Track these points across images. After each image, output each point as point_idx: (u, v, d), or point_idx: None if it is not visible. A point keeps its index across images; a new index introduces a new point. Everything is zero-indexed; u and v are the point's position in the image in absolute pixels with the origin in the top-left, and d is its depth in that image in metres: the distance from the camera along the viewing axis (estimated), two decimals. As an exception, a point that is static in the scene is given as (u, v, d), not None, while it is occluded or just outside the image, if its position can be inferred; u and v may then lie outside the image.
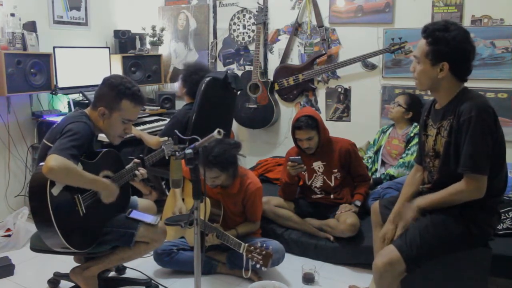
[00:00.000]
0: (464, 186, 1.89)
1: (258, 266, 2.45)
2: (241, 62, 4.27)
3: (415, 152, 2.88)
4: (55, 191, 1.96)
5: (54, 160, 1.89)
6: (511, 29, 3.12)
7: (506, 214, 2.66)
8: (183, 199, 2.90)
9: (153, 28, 4.40)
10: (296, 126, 2.91)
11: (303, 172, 3.01)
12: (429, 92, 2.12)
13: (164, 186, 3.82)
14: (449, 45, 1.88)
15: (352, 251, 2.84)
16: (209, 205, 2.69)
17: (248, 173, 2.85)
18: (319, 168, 3.02)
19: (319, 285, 2.67)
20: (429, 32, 1.93)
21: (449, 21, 1.95)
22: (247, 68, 4.18)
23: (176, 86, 4.59)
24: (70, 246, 1.98)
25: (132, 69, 4.22)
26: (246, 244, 2.51)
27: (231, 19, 4.26)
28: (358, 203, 2.96)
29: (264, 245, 2.52)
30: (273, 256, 2.47)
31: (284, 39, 4.01)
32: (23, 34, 3.35)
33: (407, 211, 2.05)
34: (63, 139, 2.00)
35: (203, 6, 4.40)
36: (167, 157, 2.52)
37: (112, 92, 2.21)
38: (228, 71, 3.72)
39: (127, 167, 2.35)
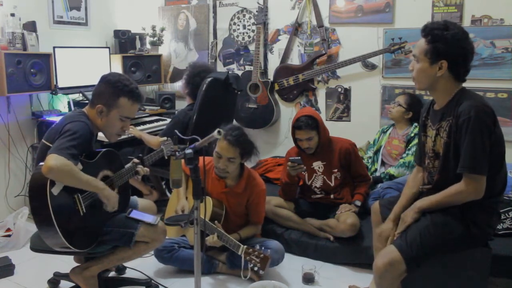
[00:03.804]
0: (463, 187, 1.89)
1: (256, 268, 2.46)
2: (241, 62, 4.27)
3: (415, 153, 2.88)
4: (55, 190, 1.96)
5: (53, 159, 1.90)
6: (511, 29, 3.12)
7: (506, 214, 2.66)
8: (186, 198, 2.89)
9: (153, 28, 4.41)
10: (296, 126, 2.91)
11: (303, 172, 3.01)
12: (428, 92, 2.12)
13: (164, 186, 3.83)
14: (448, 43, 1.88)
15: (352, 251, 2.84)
16: (211, 204, 2.69)
17: (253, 174, 2.85)
18: (319, 168, 3.02)
19: (319, 285, 2.67)
20: (428, 30, 1.93)
21: (448, 21, 1.95)
22: (247, 68, 4.18)
23: (177, 86, 4.60)
24: (70, 246, 1.98)
25: (132, 69, 4.22)
26: (245, 247, 2.51)
27: (231, 19, 4.26)
28: (358, 203, 2.96)
29: (263, 248, 2.52)
30: (271, 259, 2.47)
31: (284, 39, 4.01)
32: (23, 34, 3.35)
33: (408, 213, 2.05)
34: (62, 139, 2.00)
35: (203, 6, 4.40)
36: (166, 157, 2.53)
37: (110, 89, 2.22)
38: (229, 72, 3.72)
39: (126, 166, 2.36)
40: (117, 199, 2.21)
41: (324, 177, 3.02)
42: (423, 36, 1.95)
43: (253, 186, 2.76)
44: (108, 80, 2.24)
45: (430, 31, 1.92)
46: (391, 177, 3.15)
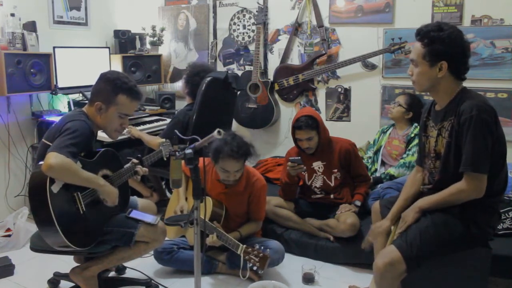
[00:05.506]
0: (465, 186, 1.89)
1: (255, 268, 2.46)
2: (241, 62, 4.27)
3: (415, 153, 2.88)
4: (55, 188, 1.96)
5: (53, 157, 1.90)
6: (511, 29, 3.12)
7: (506, 214, 2.66)
8: (186, 198, 2.89)
9: (153, 28, 4.41)
10: (296, 126, 2.91)
11: (303, 172, 3.01)
12: (429, 93, 2.13)
13: (164, 187, 3.83)
14: (445, 43, 1.89)
15: (352, 251, 2.83)
16: (211, 204, 2.69)
17: (252, 171, 2.85)
18: (319, 168, 3.02)
19: (319, 285, 2.67)
20: (423, 33, 1.94)
21: (441, 21, 1.97)
22: (247, 68, 4.18)
23: (177, 86, 4.60)
24: (71, 244, 1.98)
25: (132, 69, 4.22)
26: (244, 246, 2.51)
27: (231, 19, 4.26)
28: (358, 203, 2.96)
29: (262, 247, 2.52)
30: (270, 258, 2.48)
31: (284, 39, 4.01)
32: (23, 34, 3.35)
33: (408, 213, 2.05)
34: (62, 137, 2.01)
35: (203, 6, 4.40)
36: (165, 158, 2.53)
37: (109, 86, 2.22)
38: (229, 71, 3.72)
39: (125, 166, 2.36)
40: (117, 195, 2.21)
41: (324, 177, 3.02)
42: (419, 40, 1.96)
43: (253, 183, 2.77)
44: (106, 78, 2.25)
45: (426, 34, 1.93)
46: (391, 177, 3.15)
